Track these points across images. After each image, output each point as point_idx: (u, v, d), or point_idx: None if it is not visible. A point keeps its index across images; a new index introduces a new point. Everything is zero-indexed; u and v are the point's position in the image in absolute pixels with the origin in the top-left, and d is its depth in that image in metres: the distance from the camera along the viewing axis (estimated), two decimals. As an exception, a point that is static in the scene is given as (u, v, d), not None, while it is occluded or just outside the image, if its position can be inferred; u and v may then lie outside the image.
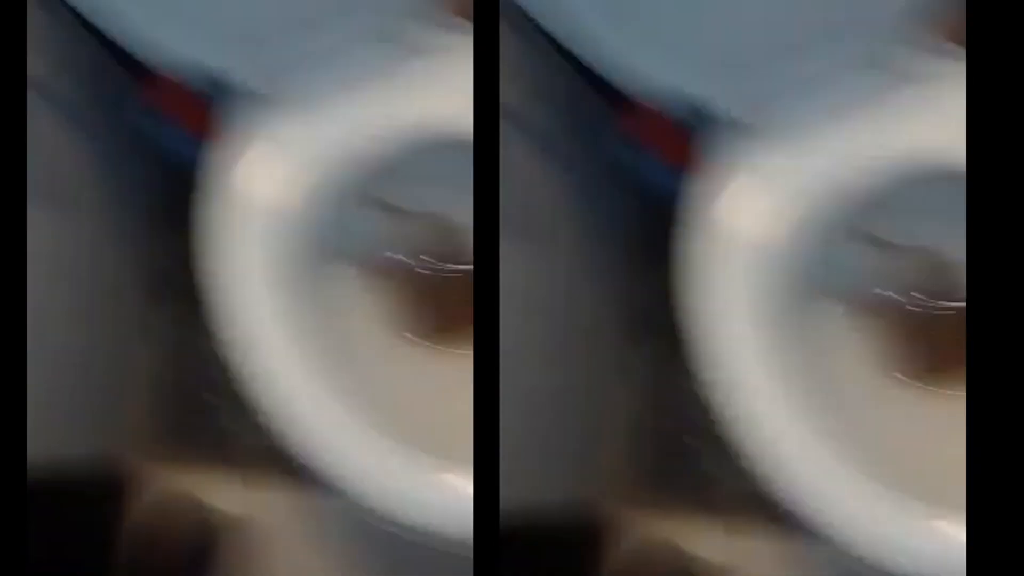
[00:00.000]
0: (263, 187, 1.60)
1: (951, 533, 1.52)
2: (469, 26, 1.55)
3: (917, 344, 1.66)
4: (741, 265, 1.53)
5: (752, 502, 1.60)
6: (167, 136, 1.67)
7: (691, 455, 1.61)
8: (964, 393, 1.63)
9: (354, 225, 1.69)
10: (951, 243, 1.61)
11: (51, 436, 1.68)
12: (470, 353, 1.65)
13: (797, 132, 1.52)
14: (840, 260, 1.62)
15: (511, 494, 1.61)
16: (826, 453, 1.53)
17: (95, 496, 1.70)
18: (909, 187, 1.56)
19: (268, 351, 1.59)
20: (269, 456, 1.69)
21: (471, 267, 1.63)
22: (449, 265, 1.67)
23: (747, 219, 1.53)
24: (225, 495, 1.72)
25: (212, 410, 1.69)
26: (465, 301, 1.65)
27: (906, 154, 1.52)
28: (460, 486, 1.57)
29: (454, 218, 1.65)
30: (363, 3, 1.61)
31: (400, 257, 1.70)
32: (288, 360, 1.59)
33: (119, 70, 1.66)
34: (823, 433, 1.53)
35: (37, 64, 1.64)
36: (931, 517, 1.54)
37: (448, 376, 1.69)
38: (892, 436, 1.64)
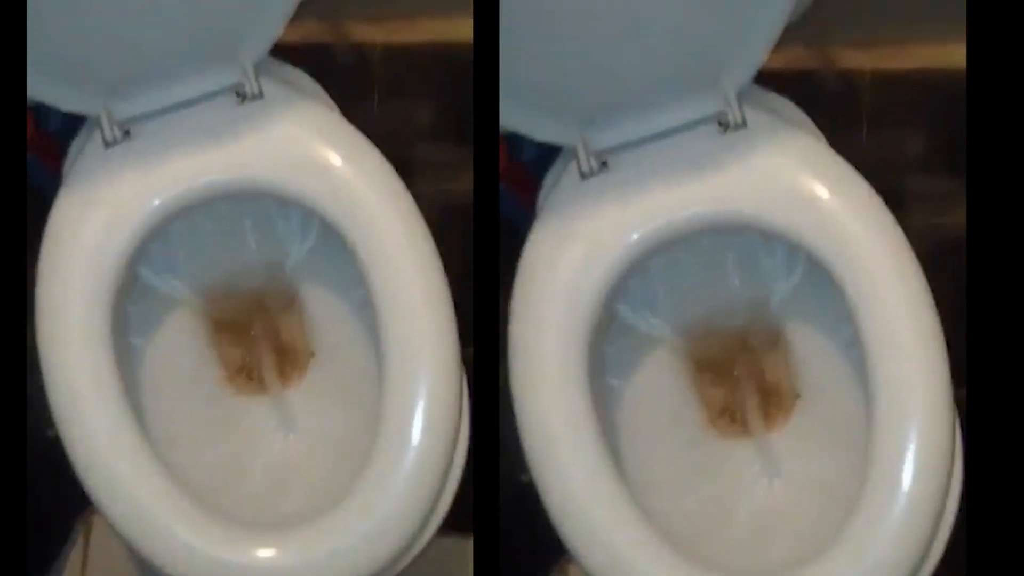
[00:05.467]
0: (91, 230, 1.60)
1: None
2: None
3: (708, 391, 1.69)
4: (548, 305, 1.56)
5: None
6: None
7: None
8: (759, 441, 1.67)
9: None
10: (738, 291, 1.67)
11: None
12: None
13: (624, 185, 1.57)
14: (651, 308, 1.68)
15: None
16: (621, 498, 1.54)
17: None
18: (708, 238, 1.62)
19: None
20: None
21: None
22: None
23: (567, 263, 1.57)
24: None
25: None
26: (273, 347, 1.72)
27: (715, 208, 1.57)
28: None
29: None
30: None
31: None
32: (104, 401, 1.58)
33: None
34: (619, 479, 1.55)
35: None
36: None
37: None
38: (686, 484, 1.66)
